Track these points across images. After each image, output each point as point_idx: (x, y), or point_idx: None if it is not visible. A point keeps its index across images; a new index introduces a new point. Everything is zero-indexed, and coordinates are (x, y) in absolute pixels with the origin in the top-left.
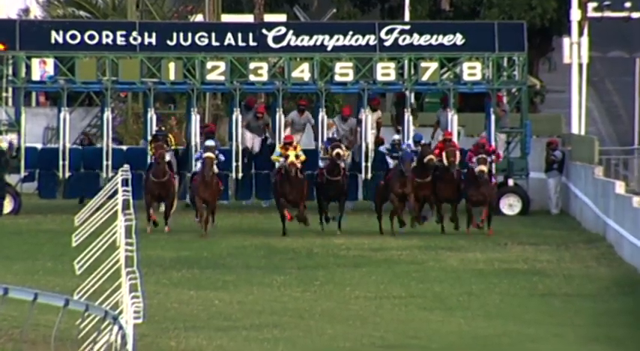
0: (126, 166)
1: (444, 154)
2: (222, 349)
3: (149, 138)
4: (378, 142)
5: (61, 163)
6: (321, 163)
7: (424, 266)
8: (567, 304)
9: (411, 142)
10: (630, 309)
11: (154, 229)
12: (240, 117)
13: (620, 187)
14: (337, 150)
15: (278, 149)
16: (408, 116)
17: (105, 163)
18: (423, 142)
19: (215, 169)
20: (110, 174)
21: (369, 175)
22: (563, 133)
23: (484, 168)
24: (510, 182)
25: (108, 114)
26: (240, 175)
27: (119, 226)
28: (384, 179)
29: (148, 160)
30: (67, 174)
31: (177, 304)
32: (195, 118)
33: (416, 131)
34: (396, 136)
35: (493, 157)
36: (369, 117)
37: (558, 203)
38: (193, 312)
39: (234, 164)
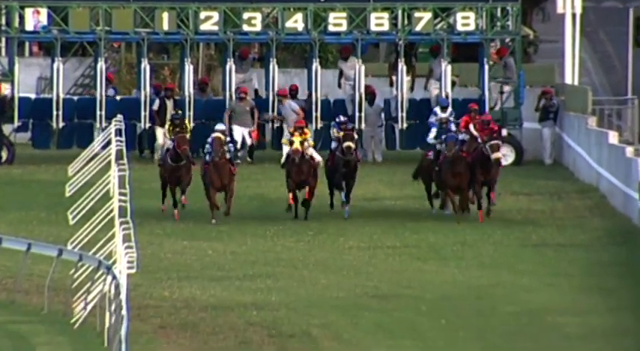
0: (119, 116)
1: (472, 129)
2: (215, 299)
3: (167, 125)
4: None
5: (54, 113)
6: (333, 145)
7: (418, 216)
8: (560, 254)
9: (453, 126)
10: (622, 259)
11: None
12: (233, 67)
13: (613, 137)
14: (348, 143)
15: (287, 132)
16: (401, 66)
17: (98, 113)
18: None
19: (225, 150)
20: (104, 124)
21: (405, 125)
22: (557, 84)
23: (500, 155)
24: (504, 132)
25: (101, 64)
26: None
27: (113, 177)
28: (435, 163)
29: (159, 141)
30: (61, 124)
31: (171, 255)
32: (189, 69)
33: (439, 96)
34: (442, 114)
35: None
36: (362, 67)
37: (552, 153)
38: (187, 262)
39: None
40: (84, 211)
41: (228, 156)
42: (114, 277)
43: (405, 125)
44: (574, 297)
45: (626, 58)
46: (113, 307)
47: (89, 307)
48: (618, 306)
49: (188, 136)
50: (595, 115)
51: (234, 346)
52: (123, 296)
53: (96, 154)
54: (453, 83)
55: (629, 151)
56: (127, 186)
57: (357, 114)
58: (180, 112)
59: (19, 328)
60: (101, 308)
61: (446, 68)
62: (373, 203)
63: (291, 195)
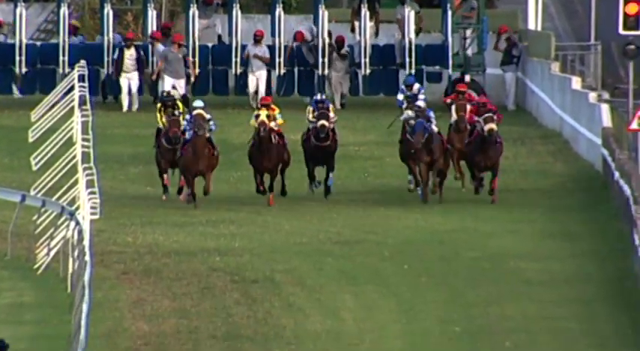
0: (82, 62)
1: (453, 109)
2: (178, 245)
3: (158, 104)
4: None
5: (17, 58)
6: (310, 125)
7: (382, 162)
8: (523, 199)
9: (421, 103)
10: (585, 204)
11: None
12: (197, 13)
13: (576, 82)
14: (322, 122)
15: (255, 112)
16: (364, 12)
17: (61, 58)
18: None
19: (206, 130)
20: (67, 70)
21: (368, 71)
22: (520, 29)
23: (494, 126)
24: (467, 78)
25: (64, 9)
26: (197, 70)
27: (76, 122)
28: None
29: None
30: (24, 70)
31: (134, 200)
32: (152, 14)
33: (407, 77)
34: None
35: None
36: (325, 13)
37: (515, 99)
38: (150, 208)
39: (190, 60)
40: (47, 157)
41: (208, 135)
42: (77, 223)
43: (367, 71)
44: (536, 242)
45: (589, 3)
46: (76, 253)
47: (52, 253)
48: (580, 252)
49: (181, 118)
50: (558, 61)
51: (198, 292)
52: (86, 242)
53: (59, 100)
54: (419, 30)
55: (592, 96)
56: (90, 132)
57: (320, 60)
58: (169, 92)
59: None
60: (64, 254)
61: (409, 14)
62: (338, 149)
63: (258, 180)
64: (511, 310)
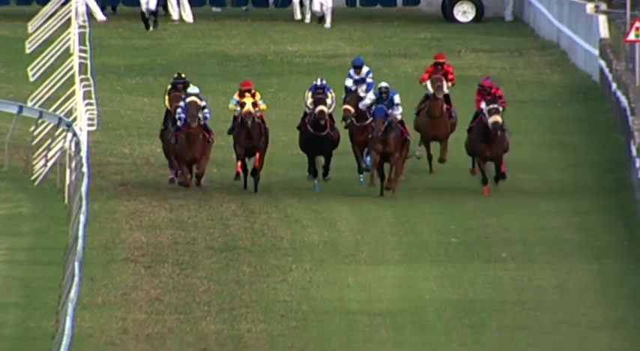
0: None
1: (429, 85)
2: None
3: (168, 86)
4: None
5: None
6: (308, 111)
7: (378, 73)
8: (521, 110)
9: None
10: (583, 115)
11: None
12: None
13: None
14: (321, 107)
15: (235, 96)
16: None
17: None
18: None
19: (201, 118)
20: None
21: None
22: None
23: (499, 119)
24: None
25: None
26: None
27: (73, 33)
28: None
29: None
30: None
31: (131, 112)
32: None
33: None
34: (384, 84)
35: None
36: None
37: (513, 10)
38: (147, 119)
39: None
40: (44, 68)
41: (202, 123)
42: (74, 135)
43: None
44: (534, 153)
45: None
46: (73, 164)
47: (49, 164)
48: (578, 163)
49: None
50: None
51: (195, 203)
52: (83, 153)
53: (56, 11)
54: None
55: (590, 7)
56: (88, 43)
57: None
58: (181, 74)
59: None
60: (61, 165)
61: None
62: (333, 60)
63: (239, 163)
64: (508, 221)
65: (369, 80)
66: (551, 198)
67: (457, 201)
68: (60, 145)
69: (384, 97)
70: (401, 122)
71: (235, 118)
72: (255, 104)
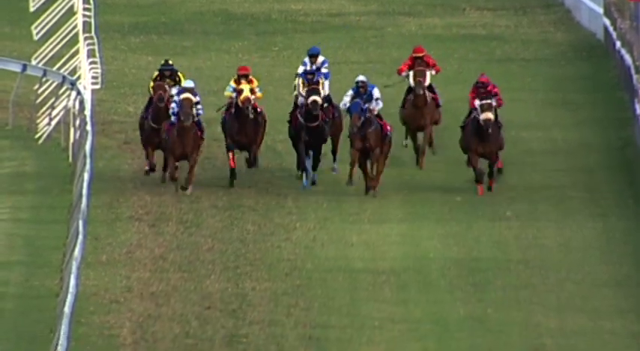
0: None
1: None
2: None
3: (155, 73)
4: None
5: None
6: (300, 100)
7: (382, 31)
8: (525, 69)
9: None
10: (587, 74)
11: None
12: None
13: None
14: (314, 97)
15: (231, 83)
16: None
17: None
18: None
19: (194, 114)
20: None
21: None
22: None
23: (490, 115)
24: None
25: None
26: None
27: None
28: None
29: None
30: None
31: (136, 70)
32: None
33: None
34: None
35: (493, 100)
36: None
37: None
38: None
39: None
40: (48, 27)
41: (196, 119)
42: (78, 93)
43: None
44: (538, 111)
45: None
46: (77, 123)
47: (53, 123)
48: (582, 120)
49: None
50: None
51: (199, 162)
52: (87, 112)
53: None
54: None
55: None
56: (92, 1)
57: None
58: (168, 61)
59: None
60: (65, 124)
61: None
62: (337, 19)
63: (231, 155)
64: (513, 179)
65: (324, 70)
66: (556, 156)
67: (461, 158)
68: (64, 103)
69: (361, 92)
70: (379, 116)
71: (229, 106)
72: (252, 91)
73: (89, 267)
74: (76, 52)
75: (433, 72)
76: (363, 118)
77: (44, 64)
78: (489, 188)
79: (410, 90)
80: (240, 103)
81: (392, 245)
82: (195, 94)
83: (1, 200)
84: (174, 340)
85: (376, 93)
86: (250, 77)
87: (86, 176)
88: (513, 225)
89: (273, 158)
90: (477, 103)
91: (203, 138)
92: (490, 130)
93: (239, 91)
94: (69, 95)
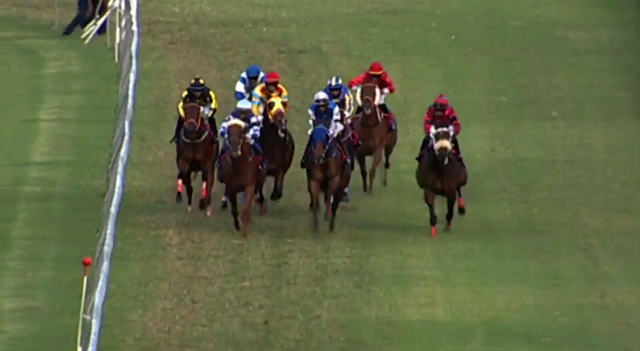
0: None
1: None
2: (225, 15)
3: (184, 93)
4: None
5: None
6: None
7: None
8: None
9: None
10: None
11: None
12: None
13: None
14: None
15: (257, 91)
16: None
17: None
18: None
19: (249, 138)
20: None
21: None
22: None
23: (446, 144)
24: None
25: None
26: None
27: None
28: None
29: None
30: None
31: None
32: None
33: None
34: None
35: (451, 127)
36: None
37: None
38: None
39: None
40: None
41: (252, 142)
42: None
43: None
44: (584, 11)
45: None
46: (124, 23)
47: (99, 23)
48: (628, 20)
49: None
50: None
51: (244, 61)
52: (133, 12)
53: None
54: None
55: None
56: None
57: None
58: (199, 79)
59: (30, 44)
60: (111, 24)
61: None
62: None
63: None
64: (559, 79)
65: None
66: (602, 56)
67: (507, 59)
68: (110, 2)
69: (321, 111)
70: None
71: (256, 123)
72: (285, 104)
73: (135, 167)
74: None
75: (386, 90)
76: (327, 148)
77: None
78: (449, 219)
79: (359, 109)
80: (271, 118)
81: None
82: (250, 116)
83: (48, 100)
84: (219, 241)
85: (336, 114)
86: (279, 85)
87: (132, 77)
88: (559, 125)
89: (318, 58)
90: (432, 131)
91: (264, 167)
92: (447, 162)
93: (269, 105)
94: None
